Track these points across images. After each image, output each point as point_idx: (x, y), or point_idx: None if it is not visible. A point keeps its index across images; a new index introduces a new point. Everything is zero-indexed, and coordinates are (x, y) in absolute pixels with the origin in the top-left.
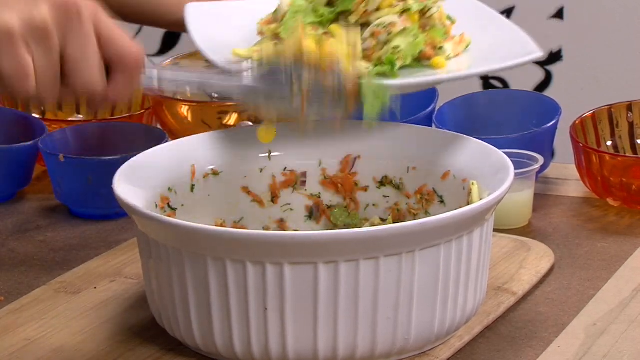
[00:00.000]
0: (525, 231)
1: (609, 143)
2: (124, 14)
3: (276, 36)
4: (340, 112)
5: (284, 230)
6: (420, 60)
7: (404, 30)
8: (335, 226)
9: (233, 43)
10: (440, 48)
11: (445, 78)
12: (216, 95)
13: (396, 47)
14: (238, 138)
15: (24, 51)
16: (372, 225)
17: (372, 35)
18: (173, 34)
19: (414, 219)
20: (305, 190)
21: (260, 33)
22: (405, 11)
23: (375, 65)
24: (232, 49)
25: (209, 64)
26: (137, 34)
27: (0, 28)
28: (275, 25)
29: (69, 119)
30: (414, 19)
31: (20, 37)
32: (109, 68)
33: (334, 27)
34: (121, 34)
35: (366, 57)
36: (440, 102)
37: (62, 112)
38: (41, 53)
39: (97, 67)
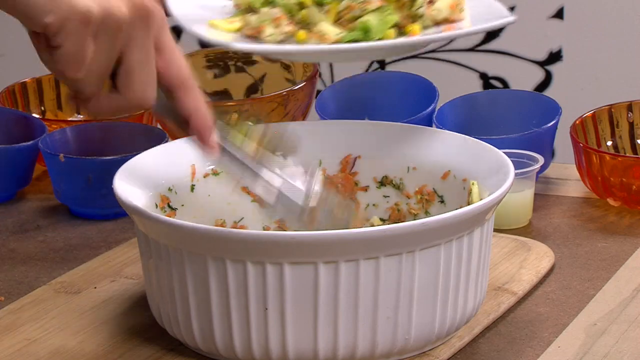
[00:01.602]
0: (525, 231)
1: (609, 143)
2: None
3: (249, 8)
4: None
5: (284, 230)
6: (399, 30)
7: (378, 8)
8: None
9: (212, 16)
10: (421, 17)
11: (415, 40)
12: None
13: (365, 22)
14: None
15: (90, 38)
16: (372, 225)
17: (347, 8)
18: (173, 34)
19: (414, 219)
20: None
21: (237, 5)
22: None
23: (350, 32)
24: (208, 20)
25: (209, 64)
26: None
27: (81, 9)
28: None
29: (69, 119)
30: (390, 0)
31: (93, 24)
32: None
33: (304, 13)
34: (180, 54)
35: (340, 24)
36: (440, 102)
37: (62, 112)
38: (104, 46)
39: (155, 79)
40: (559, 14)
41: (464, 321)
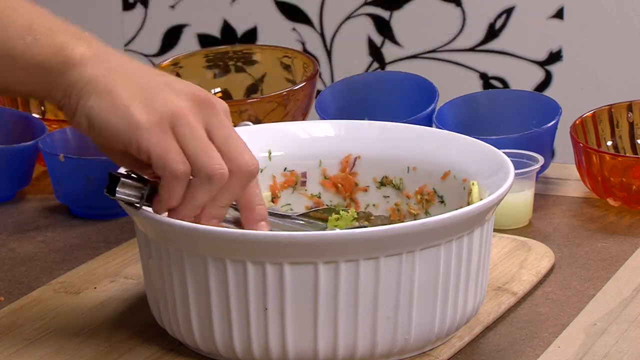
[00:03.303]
0: (525, 231)
1: (609, 143)
2: None
3: None
4: None
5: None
6: None
7: None
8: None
9: None
10: None
11: None
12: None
13: None
14: None
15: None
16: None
17: None
18: (173, 34)
19: (414, 219)
20: (306, 190)
21: None
22: None
23: None
24: None
25: (209, 64)
26: (137, 33)
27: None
28: None
29: None
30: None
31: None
32: None
33: None
34: (244, 143)
35: None
36: (440, 102)
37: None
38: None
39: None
40: (559, 14)
41: (464, 321)
